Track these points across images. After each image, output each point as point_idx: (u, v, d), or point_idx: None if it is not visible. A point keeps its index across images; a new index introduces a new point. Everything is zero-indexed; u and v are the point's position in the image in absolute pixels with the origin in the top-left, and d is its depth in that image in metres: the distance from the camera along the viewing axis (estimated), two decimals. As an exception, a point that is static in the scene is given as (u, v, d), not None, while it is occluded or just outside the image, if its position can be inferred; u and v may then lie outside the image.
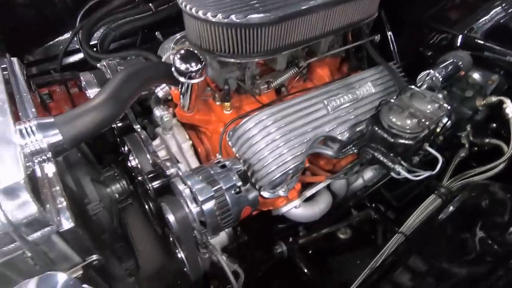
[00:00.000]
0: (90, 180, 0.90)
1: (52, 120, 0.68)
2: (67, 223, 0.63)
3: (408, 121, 0.89)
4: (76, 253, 0.68)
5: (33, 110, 0.89)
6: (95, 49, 1.56)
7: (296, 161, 0.94)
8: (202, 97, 1.15)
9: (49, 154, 0.66)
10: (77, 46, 1.60)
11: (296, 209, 1.05)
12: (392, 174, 0.99)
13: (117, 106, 0.76)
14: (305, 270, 1.07)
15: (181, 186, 0.86)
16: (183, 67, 0.90)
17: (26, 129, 0.65)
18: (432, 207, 1.00)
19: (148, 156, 1.11)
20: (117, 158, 1.32)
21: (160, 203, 0.91)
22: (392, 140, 0.89)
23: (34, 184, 0.65)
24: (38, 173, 0.71)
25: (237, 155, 1.01)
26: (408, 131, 0.89)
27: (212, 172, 0.88)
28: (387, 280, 0.80)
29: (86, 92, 1.23)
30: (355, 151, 1.10)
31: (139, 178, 1.14)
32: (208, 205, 0.82)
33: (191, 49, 0.91)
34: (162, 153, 1.17)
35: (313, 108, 1.03)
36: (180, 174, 0.89)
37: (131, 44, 1.70)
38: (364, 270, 0.96)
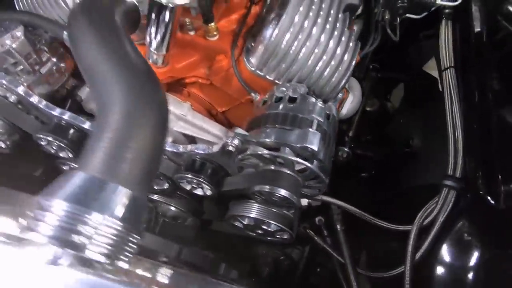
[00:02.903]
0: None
1: (89, 175, 0.30)
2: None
3: None
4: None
5: None
6: None
7: (350, 55, 0.74)
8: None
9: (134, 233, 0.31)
10: None
11: (351, 104, 0.91)
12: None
13: (158, 88, 0.40)
14: (373, 156, 1.03)
15: (267, 152, 0.60)
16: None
17: (70, 215, 0.27)
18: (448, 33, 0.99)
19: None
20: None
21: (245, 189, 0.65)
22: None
23: None
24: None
25: (277, 81, 0.75)
26: None
27: (291, 113, 0.63)
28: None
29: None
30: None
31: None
32: (323, 151, 0.61)
33: None
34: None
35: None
36: (255, 140, 0.61)
37: None
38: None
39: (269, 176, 0.62)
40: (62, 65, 0.84)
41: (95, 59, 0.38)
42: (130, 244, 0.32)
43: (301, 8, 0.67)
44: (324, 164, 0.62)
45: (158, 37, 0.65)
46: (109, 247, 0.30)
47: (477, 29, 0.93)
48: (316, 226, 1.00)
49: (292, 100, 0.65)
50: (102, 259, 0.29)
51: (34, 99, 0.69)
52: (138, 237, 0.33)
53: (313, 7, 0.69)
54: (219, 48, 0.79)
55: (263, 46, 0.70)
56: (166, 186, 0.80)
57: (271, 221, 0.80)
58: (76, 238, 0.28)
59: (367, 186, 1.06)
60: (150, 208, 0.79)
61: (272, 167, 0.63)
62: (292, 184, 0.62)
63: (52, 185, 0.30)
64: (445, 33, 1.00)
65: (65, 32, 0.77)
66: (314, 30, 0.68)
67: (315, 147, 0.59)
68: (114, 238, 0.30)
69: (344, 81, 0.73)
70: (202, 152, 0.68)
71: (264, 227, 0.84)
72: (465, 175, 0.78)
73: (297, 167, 0.63)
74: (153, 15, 0.61)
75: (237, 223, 0.87)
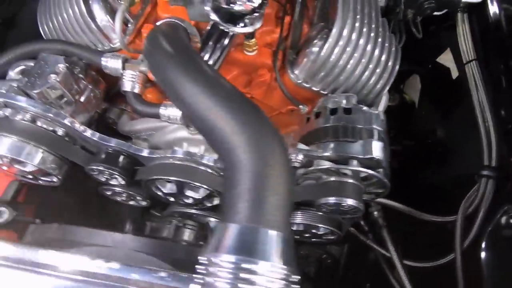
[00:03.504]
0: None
1: (241, 225, 0.31)
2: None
3: None
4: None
5: None
6: None
7: (393, 60, 0.75)
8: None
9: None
10: None
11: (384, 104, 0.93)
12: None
13: (268, 120, 0.40)
14: (402, 150, 1.06)
15: (336, 166, 0.62)
16: (239, 5, 0.51)
17: (240, 266, 0.28)
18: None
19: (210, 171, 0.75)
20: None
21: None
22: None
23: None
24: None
25: (322, 91, 0.76)
26: None
27: (350, 125, 0.65)
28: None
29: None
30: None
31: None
32: (386, 160, 0.63)
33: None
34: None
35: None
36: (320, 155, 0.63)
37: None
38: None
39: (335, 187, 0.64)
40: (98, 90, 0.83)
41: (206, 106, 0.38)
42: (294, 286, 0.33)
43: (348, 20, 0.68)
44: (387, 170, 0.65)
45: (211, 61, 0.65)
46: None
47: (495, 18, 0.96)
48: (354, 223, 1.04)
49: (347, 111, 0.67)
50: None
51: (88, 133, 0.68)
52: (298, 277, 0.34)
53: (358, 17, 0.70)
54: (259, 62, 0.79)
55: (310, 60, 0.71)
56: (216, 201, 0.81)
57: (322, 225, 0.83)
58: (250, 288, 0.30)
59: (398, 180, 1.10)
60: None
61: (334, 178, 0.65)
62: (357, 193, 0.64)
63: (213, 241, 0.31)
64: (463, 26, 1.03)
65: (102, 59, 0.76)
66: (361, 41, 0.70)
67: (380, 157, 0.61)
68: (282, 282, 0.31)
69: (388, 86, 0.75)
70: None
71: (313, 231, 0.87)
72: (501, 163, 0.83)
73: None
74: (211, 41, 0.61)
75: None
